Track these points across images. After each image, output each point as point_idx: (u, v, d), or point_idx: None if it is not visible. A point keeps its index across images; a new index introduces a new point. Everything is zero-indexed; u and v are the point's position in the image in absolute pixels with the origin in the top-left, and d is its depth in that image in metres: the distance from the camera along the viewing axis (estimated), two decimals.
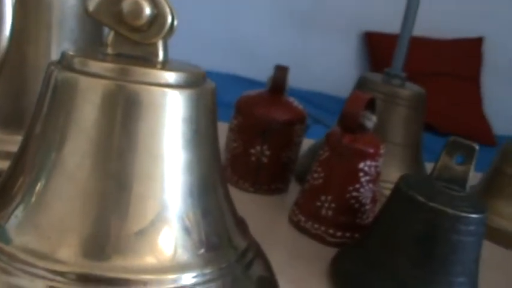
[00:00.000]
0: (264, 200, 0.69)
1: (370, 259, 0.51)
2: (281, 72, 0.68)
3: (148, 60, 0.35)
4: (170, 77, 0.34)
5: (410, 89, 0.75)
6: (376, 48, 2.79)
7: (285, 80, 0.68)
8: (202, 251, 0.35)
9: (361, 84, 0.75)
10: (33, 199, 0.33)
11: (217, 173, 0.38)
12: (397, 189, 0.51)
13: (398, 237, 0.49)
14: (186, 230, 0.34)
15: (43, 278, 0.31)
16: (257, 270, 0.39)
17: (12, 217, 0.34)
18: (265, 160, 0.68)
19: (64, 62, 0.35)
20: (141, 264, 0.32)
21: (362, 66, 2.89)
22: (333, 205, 0.59)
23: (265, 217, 0.64)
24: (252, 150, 0.68)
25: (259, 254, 0.40)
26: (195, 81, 0.36)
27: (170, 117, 0.34)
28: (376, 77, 0.76)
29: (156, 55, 0.35)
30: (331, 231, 0.60)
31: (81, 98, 0.33)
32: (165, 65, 0.35)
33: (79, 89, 0.33)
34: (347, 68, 2.84)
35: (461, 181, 0.51)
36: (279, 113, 0.67)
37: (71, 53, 0.35)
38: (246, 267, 0.37)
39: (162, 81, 0.34)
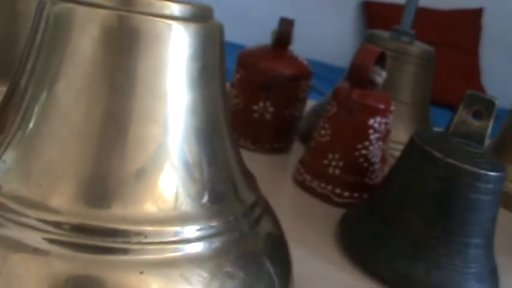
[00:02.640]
0: (266, 159, 0.66)
1: (382, 218, 0.48)
2: (286, 25, 0.65)
3: None
4: (176, 8, 0.31)
5: (420, 47, 0.72)
6: (374, 17, 2.75)
7: (290, 34, 0.65)
8: (206, 200, 0.31)
9: (369, 40, 0.72)
10: (22, 142, 0.30)
11: (224, 117, 0.34)
12: (411, 145, 0.48)
13: (412, 195, 0.47)
14: (190, 176, 0.31)
15: (35, 228, 0.28)
16: (266, 226, 0.36)
17: (2, 162, 0.30)
18: (268, 117, 0.65)
19: None
20: (141, 214, 0.29)
21: (360, 36, 2.86)
22: (340, 163, 0.56)
23: (268, 176, 0.61)
24: (255, 107, 0.64)
25: (268, 210, 0.37)
26: (202, 15, 0.32)
27: (175, 53, 0.30)
28: (385, 34, 0.73)
29: None
30: (338, 190, 0.57)
31: (78, 31, 0.30)
32: None
33: (76, 21, 0.30)
34: (344, 38, 2.81)
35: (479, 137, 0.48)
36: (284, 67, 0.64)
37: None
38: (254, 222, 0.34)
39: (167, 12, 0.30)
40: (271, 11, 2.57)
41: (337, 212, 0.55)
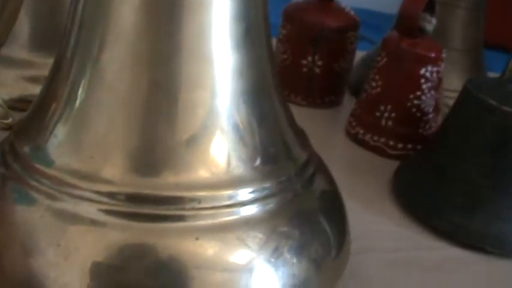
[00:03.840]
0: (317, 114, 0.65)
1: (438, 169, 0.47)
2: None
3: None
4: None
5: None
6: None
7: None
8: (259, 162, 0.31)
9: None
10: (72, 116, 0.30)
11: (272, 76, 0.34)
12: (465, 93, 0.47)
13: (468, 145, 0.46)
14: (241, 139, 0.31)
15: (90, 200, 0.28)
16: (319, 184, 0.35)
17: (52, 137, 0.30)
18: (317, 71, 0.64)
19: None
20: (194, 180, 0.29)
21: None
22: (393, 115, 0.56)
23: (321, 131, 0.60)
24: (303, 61, 0.64)
25: (321, 167, 0.37)
26: None
27: (218, 16, 0.30)
28: None
29: None
30: (391, 142, 0.56)
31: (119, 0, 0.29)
32: None
33: None
34: None
35: None
36: (331, 19, 0.63)
37: None
38: (307, 181, 0.34)
39: None
40: None
41: (392, 164, 0.54)
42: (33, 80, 0.56)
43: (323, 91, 0.66)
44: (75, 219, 0.28)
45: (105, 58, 0.30)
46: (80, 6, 0.31)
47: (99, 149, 0.29)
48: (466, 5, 0.68)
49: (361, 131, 0.58)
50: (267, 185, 0.31)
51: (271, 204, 0.31)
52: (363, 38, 1.37)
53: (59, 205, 0.29)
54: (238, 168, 0.30)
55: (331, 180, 0.37)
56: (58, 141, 0.30)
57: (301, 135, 0.36)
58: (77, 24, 0.31)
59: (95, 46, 0.30)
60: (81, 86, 0.30)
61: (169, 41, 0.29)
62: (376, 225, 0.45)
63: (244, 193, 0.30)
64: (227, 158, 0.30)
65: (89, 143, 0.29)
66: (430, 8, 0.56)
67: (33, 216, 0.29)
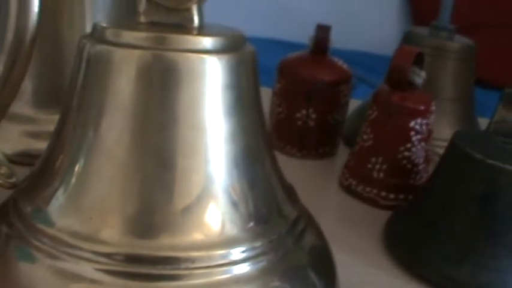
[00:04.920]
0: (312, 165, 0.67)
1: (427, 221, 0.48)
2: (323, 31, 0.65)
3: (183, 27, 0.33)
4: (207, 42, 0.32)
5: (459, 42, 0.71)
6: (418, 2, 2.72)
7: (327, 40, 0.65)
8: (251, 224, 0.33)
9: (407, 39, 0.72)
10: (73, 180, 0.32)
11: (262, 140, 0.36)
12: (452, 147, 0.49)
13: (456, 197, 0.47)
14: (234, 204, 0.32)
15: (89, 260, 0.30)
16: (309, 240, 0.37)
17: (54, 199, 0.32)
18: (311, 123, 0.66)
19: (96, 35, 0.33)
20: (189, 241, 0.31)
21: (404, 22, 2.83)
22: (384, 167, 0.57)
23: (315, 182, 0.62)
24: (298, 114, 0.66)
25: (311, 223, 0.38)
26: (234, 45, 0.34)
27: (210, 85, 0.32)
28: (423, 30, 0.73)
29: (191, 21, 0.33)
30: (383, 193, 0.58)
31: (116, 71, 0.31)
32: (202, 31, 0.33)
33: (113, 62, 0.31)
34: (389, 25, 2.78)
35: None
36: (324, 73, 0.65)
37: (103, 24, 0.33)
38: (297, 237, 0.35)
39: (200, 47, 0.32)
40: (314, 2, 2.57)
41: (384, 215, 0.55)
42: (36, 135, 0.58)
43: (317, 143, 0.67)
44: (75, 278, 0.30)
45: (104, 125, 0.31)
46: (81, 76, 0.33)
47: (98, 211, 0.31)
48: (455, 56, 0.70)
49: (354, 182, 0.59)
50: (259, 244, 0.33)
51: (262, 262, 0.32)
52: (362, 81, 1.40)
53: (59, 264, 0.30)
54: (231, 229, 0.32)
55: (320, 235, 0.39)
56: (59, 203, 0.32)
57: (290, 191, 0.38)
58: (77, 92, 0.33)
59: (95, 114, 0.32)
60: (82, 151, 0.32)
61: (164, 110, 0.31)
62: (367, 276, 0.46)
63: (237, 252, 0.32)
64: (221, 221, 0.32)
65: (89, 206, 0.31)
66: (419, 61, 0.58)
67: (34, 275, 0.31)
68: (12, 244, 0.32)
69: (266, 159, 0.36)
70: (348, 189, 0.60)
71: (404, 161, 0.57)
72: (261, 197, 0.34)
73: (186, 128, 0.31)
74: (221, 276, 0.31)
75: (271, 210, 0.35)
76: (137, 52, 0.31)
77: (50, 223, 0.31)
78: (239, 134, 0.33)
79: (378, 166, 0.57)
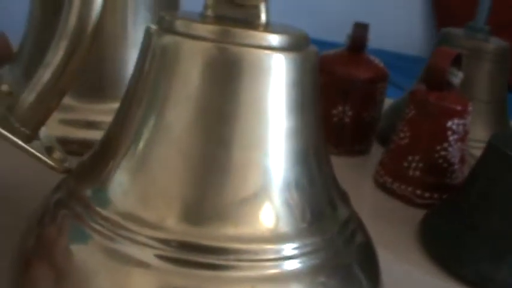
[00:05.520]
0: (346, 162, 0.67)
1: (464, 220, 0.49)
2: (361, 29, 0.66)
3: (250, 23, 0.34)
4: (275, 39, 0.32)
5: (495, 43, 0.72)
6: (443, 2, 2.70)
7: (365, 37, 0.66)
8: (305, 221, 0.33)
9: (443, 39, 0.73)
10: (135, 165, 0.32)
11: (321, 139, 0.36)
12: (490, 147, 0.49)
13: (494, 197, 0.48)
14: (290, 200, 0.33)
15: (143, 244, 0.30)
16: (358, 240, 0.37)
17: (113, 183, 0.33)
18: (347, 120, 0.66)
19: (164, 25, 0.34)
20: (242, 234, 0.31)
21: (429, 22, 2.82)
22: (420, 165, 0.58)
23: (350, 179, 0.62)
24: (334, 111, 0.66)
25: (360, 224, 0.39)
26: (300, 44, 0.34)
27: (276, 82, 0.32)
28: (459, 31, 0.73)
29: (258, 17, 0.34)
30: (418, 192, 0.58)
31: (185, 62, 0.32)
32: (268, 28, 0.34)
33: (182, 52, 0.32)
34: (413, 24, 2.77)
35: None
36: (361, 71, 0.66)
37: (171, 15, 0.34)
38: (348, 238, 0.36)
39: (267, 43, 0.32)
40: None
41: (418, 213, 0.56)
42: (73, 123, 0.59)
43: (353, 140, 0.68)
44: (128, 260, 0.30)
45: (170, 114, 0.32)
46: (147, 65, 0.34)
47: (158, 197, 0.31)
48: (491, 58, 0.71)
49: (389, 180, 0.60)
50: (311, 241, 0.33)
51: (312, 260, 0.32)
52: (390, 83, 1.40)
53: (114, 246, 0.31)
54: (285, 226, 0.32)
55: (367, 236, 0.39)
56: (119, 186, 0.33)
57: (342, 192, 0.39)
58: (143, 80, 0.34)
59: (161, 103, 0.32)
60: (146, 137, 0.32)
61: (231, 102, 0.31)
62: (404, 274, 0.47)
63: (288, 249, 0.32)
64: (275, 216, 0.32)
65: (149, 192, 0.32)
66: (457, 62, 0.58)
67: (88, 255, 0.31)
68: (68, 224, 0.33)
69: (323, 157, 0.36)
70: (382, 187, 0.61)
71: (441, 160, 0.57)
72: (317, 196, 0.35)
73: (251, 121, 0.32)
74: (270, 270, 0.31)
75: (325, 209, 0.35)
76: (207, 44, 0.31)
77: (107, 205, 0.32)
78: (301, 131, 0.34)
79: (414, 164, 0.58)
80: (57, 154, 0.38)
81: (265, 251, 0.31)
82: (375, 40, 0.74)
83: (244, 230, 0.31)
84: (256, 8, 0.34)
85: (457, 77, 0.58)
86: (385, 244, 0.48)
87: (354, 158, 0.69)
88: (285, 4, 2.49)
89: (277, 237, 0.32)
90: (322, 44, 0.70)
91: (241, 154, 0.32)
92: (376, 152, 0.70)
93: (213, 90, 0.31)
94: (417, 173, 0.58)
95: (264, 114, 0.32)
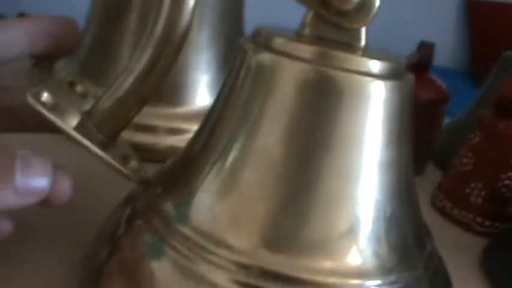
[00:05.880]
0: None
1: None
2: (427, 49, 0.65)
3: (349, 46, 0.33)
4: (376, 65, 0.31)
5: None
6: (477, 17, 2.69)
7: (431, 57, 0.65)
8: (392, 257, 0.32)
9: (505, 63, 0.71)
10: (221, 183, 0.32)
11: (412, 171, 0.35)
12: None
13: None
14: (379, 234, 0.32)
15: (222, 267, 0.30)
16: (441, 276, 0.36)
17: (199, 200, 0.32)
18: None
19: (260, 41, 0.33)
20: (325, 266, 0.30)
21: (462, 36, 2.80)
22: (483, 193, 0.57)
23: None
24: None
25: (441, 259, 0.38)
26: (399, 71, 0.33)
27: (375, 110, 0.31)
28: None
29: (359, 41, 0.33)
30: (479, 219, 0.57)
31: (283, 82, 0.31)
32: (368, 52, 0.33)
33: (281, 72, 0.31)
34: (446, 37, 2.76)
35: None
36: (424, 91, 0.64)
37: (268, 31, 0.33)
38: (432, 275, 0.35)
39: (368, 69, 0.31)
40: None
41: (477, 241, 0.55)
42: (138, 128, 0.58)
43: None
44: (204, 282, 0.29)
45: (262, 136, 0.31)
46: (239, 83, 0.33)
47: (248, 222, 0.31)
48: None
49: (449, 205, 0.59)
50: (396, 278, 0.32)
51: None
52: None
53: (190, 265, 0.30)
54: (371, 261, 0.31)
55: (446, 272, 0.38)
56: (204, 206, 0.32)
57: (426, 227, 0.37)
58: (233, 98, 0.33)
59: (253, 122, 0.32)
60: (236, 158, 0.32)
61: (330, 127, 0.30)
62: None
63: (374, 284, 0.31)
64: (362, 250, 0.31)
65: (235, 213, 0.31)
66: None
67: (162, 272, 0.31)
68: (144, 237, 0.32)
69: (413, 191, 0.35)
70: (441, 211, 0.60)
71: (504, 189, 0.56)
72: (406, 231, 0.34)
73: (347, 150, 0.31)
74: None
75: (412, 244, 0.34)
76: (306, 66, 0.30)
77: (189, 223, 0.31)
78: (396, 163, 0.33)
79: (476, 191, 0.57)
80: (133, 163, 0.37)
81: (349, 286, 0.30)
82: (405, 53, 0.73)
83: (330, 263, 0.30)
84: (358, 32, 0.33)
85: None
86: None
87: None
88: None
89: (361, 272, 0.31)
90: None
91: (335, 184, 0.31)
92: (431, 173, 0.69)
93: (310, 114, 0.30)
94: (479, 200, 0.57)
95: (362, 144, 0.31)
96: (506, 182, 0.56)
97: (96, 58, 0.62)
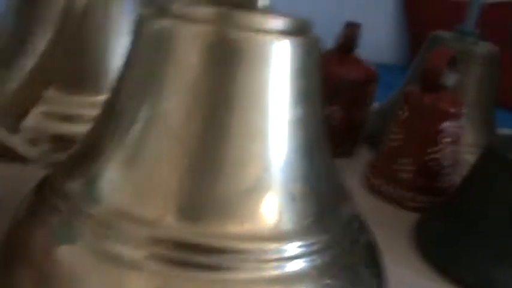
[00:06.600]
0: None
1: (461, 222, 0.48)
2: (352, 29, 0.65)
3: (247, 7, 0.31)
4: (278, 23, 0.30)
5: (485, 47, 0.71)
6: (414, 11, 2.72)
7: (356, 38, 0.65)
8: (309, 219, 0.31)
9: (432, 42, 0.72)
10: (128, 158, 0.30)
11: (325, 131, 0.34)
12: (489, 151, 0.48)
13: (493, 200, 0.47)
14: (293, 196, 0.30)
15: (140, 245, 0.28)
16: (363, 239, 0.35)
17: (105, 177, 0.30)
18: (335, 121, 0.65)
19: (158, 9, 0.32)
20: (242, 232, 0.29)
21: (400, 30, 2.83)
22: (412, 168, 0.56)
23: None
24: None
25: (363, 223, 0.37)
26: (303, 29, 0.32)
27: (280, 69, 0.30)
28: (448, 35, 0.72)
29: (256, 1, 0.32)
30: (410, 195, 0.57)
31: (183, 47, 0.30)
32: (266, 11, 0.31)
33: (180, 37, 0.30)
34: (383, 32, 2.78)
35: None
36: (351, 71, 0.64)
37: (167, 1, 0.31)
38: (353, 236, 0.34)
39: (269, 27, 0.30)
40: (309, 7, 2.56)
41: (408, 216, 0.55)
42: (49, 116, 0.56)
43: (340, 141, 0.66)
44: (117, 260, 0.28)
45: (167, 104, 0.30)
46: (139, 52, 0.31)
47: (154, 193, 0.29)
48: (480, 62, 0.70)
49: (379, 182, 0.58)
50: (315, 240, 0.31)
51: (318, 260, 0.30)
52: None
53: (104, 246, 0.28)
54: (288, 223, 0.30)
55: (371, 235, 0.37)
56: (111, 182, 0.30)
57: (345, 188, 0.37)
58: (134, 69, 0.32)
59: (155, 89, 0.30)
60: (138, 130, 0.30)
61: (232, 90, 0.29)
62: (402, 277, 0.45)
63: (292, 248, 0.30)
64: (277, 213, 0.30)
65: (145, 187, 0.29)
66: (451, 63, 0.57)
67: (75, 255, 0.29)
68: (52, 223, 0.31)
69: (327, 152, 0.34)
70: (372, 189, 0.59)
71: (433, 163, 0.56)
72: (321, 192, 0.33)
73: (253, 110, 0.29)
74: (273, 271, 0.29)
75: (329, 206, 0.33)
76: (206, 28, 0.29)
77: (96, 202, 0.30)
78: (305, 123, 0.31)
79: (405, 167, 0.56)
80: (42, 147, 0.35)
81: (267, 251, 0.29)
82: None
83: (245, 227, 0.29)
84: None
85: (452, 79, 0.57)
86: (380, 247, 0.47)
87: (339, 160, 0.67)
88: None
89: (281, 235, 0.30)
90: None
91: (242, 144, 0.29)
92: (361, 154, 0.69)
93: (212, 77, 0.29)
94: (409, 175, 0.57)
95: (266, 103, 0.30)
96: (435, 155, 0.56)
97: (9, 45, 0.60)
